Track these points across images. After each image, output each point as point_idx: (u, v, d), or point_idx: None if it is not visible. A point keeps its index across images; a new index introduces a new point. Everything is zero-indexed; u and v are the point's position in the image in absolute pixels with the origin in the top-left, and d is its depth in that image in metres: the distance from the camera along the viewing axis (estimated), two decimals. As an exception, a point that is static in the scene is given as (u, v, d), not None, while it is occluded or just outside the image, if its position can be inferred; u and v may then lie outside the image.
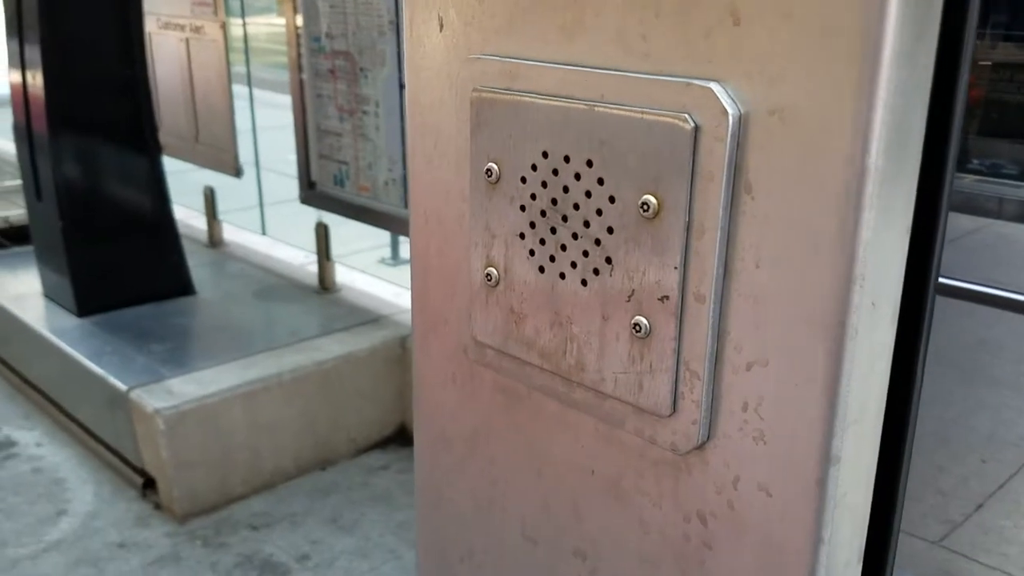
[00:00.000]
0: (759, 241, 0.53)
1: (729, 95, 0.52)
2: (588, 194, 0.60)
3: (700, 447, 0.59)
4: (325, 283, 3.72)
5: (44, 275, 3.58)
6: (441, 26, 0.66)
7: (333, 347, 3.18)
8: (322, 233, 3.65)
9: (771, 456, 0.55)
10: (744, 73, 0.51)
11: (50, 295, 3.56)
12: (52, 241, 3.39)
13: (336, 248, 3.78)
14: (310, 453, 3.16)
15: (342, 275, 3.82)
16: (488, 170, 0.66)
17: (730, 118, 0.52)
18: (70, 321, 3.40)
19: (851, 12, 0.47)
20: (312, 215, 3.67)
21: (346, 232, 3.87)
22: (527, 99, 0.62)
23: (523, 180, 0.64)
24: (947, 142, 0.53)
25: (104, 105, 3.31)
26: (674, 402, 0.59)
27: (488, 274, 0.68)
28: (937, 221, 0.54)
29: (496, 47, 0.63)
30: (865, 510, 0.58)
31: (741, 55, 0.51)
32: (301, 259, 4.16)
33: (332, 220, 3.60)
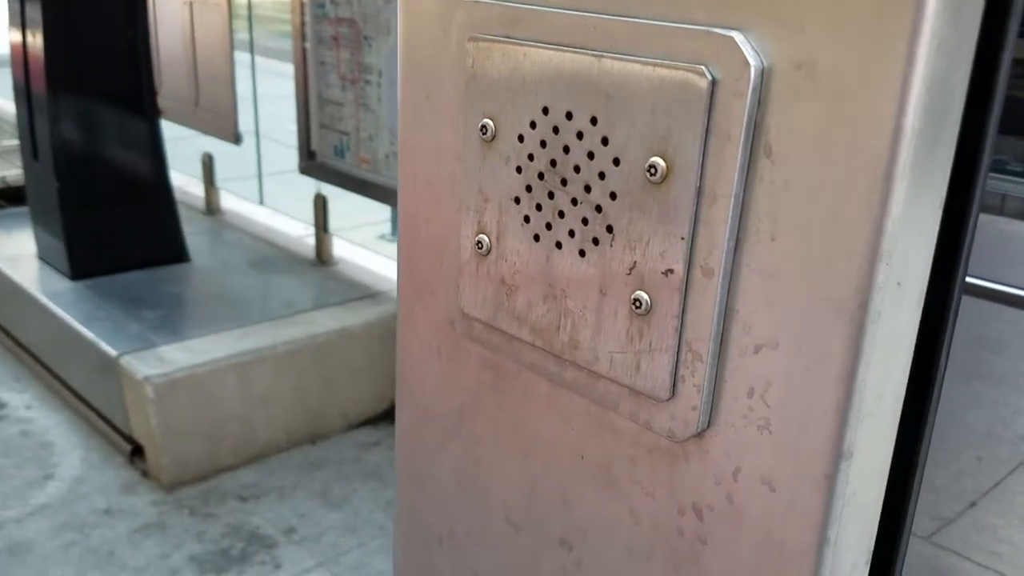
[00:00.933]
0: (777, 210, 0.48)
1: (752, 45, 0.47)
2: (591, 155, 0.55)
3: (699, 435, 0.54)
4: (322, 256, 3.67)
5: (39, 237, 3.54)
6: (438, -32, 0.61)
7: (328, 321, 3.14)
8: (320, 205, 3.60)
9: (777, 447, 0.50)
10: (769, 20, 0.46)
11: (44, 257, 3.52)
12: (48, 203, 3.34)
13: (336, 221, 3.72)
14: (301, 427, 3.13)
15: (340, 249, 3.77)
16: (483, 127, 0.60)
17: (752, 71, 0.46)
18: (63, 284, 3.36)
19: (892, -45, 0.41)
20: (313, 187, 3.61)
21: (346, 205, 3.82)
22: (528, 48, 0.56)
23: (520, 139, 0.59)
24: (988, 110, 0.48)
25: (104, 67, 3.25)
26: (673, 385, 0.54)
27: (479, 241, 0.63)
28: (972, 196, 0.49)
29: (496, -9, 0.58)
30: (876, 509, 0.53)
31: (767, 0, 0.46)
32: (299, 231, 4.11)
33: (333, 193, 3.55)
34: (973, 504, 3.07)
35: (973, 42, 0.45)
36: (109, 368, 2.92)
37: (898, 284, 0.46)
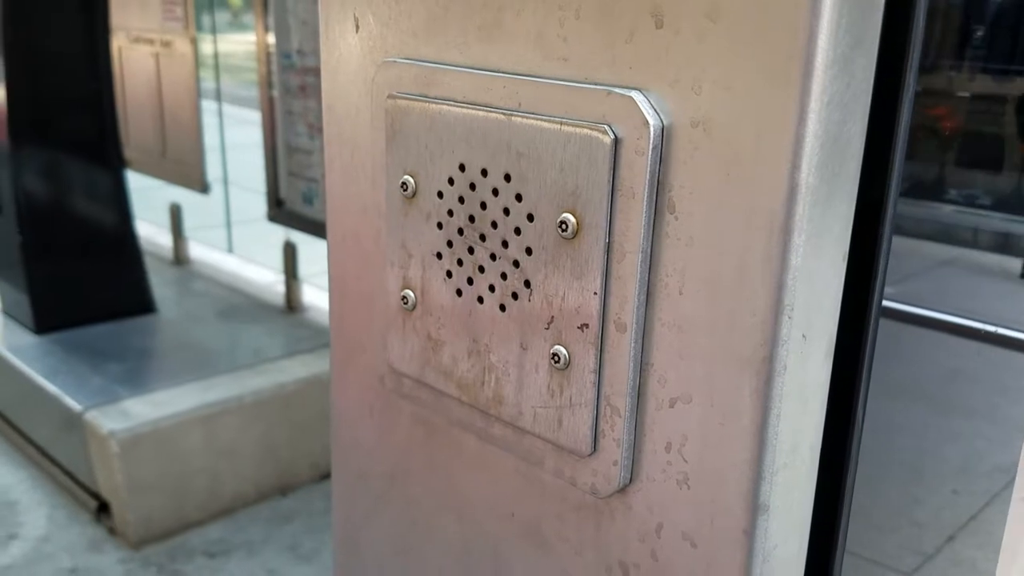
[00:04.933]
0: (683, 265, 0.48)
1: (651, 104, 0.47)
2: (506, 211, 0.55)
3: (622, 490, 0.53)
4: (292, 303, 3.65)
5: (2, 290, 3.49)
6: (357, 27, 0.62)
7: (297, 369, 3.11)
8: (289, 252, 3.59)
9: (695, 502, 0.50)
10: (667, 81, 0.47)
11: (8, 311, 3.47)
12: (10, 256, 3.31)
13: (307, 268, 3.71)
14: (271, 478, 3.08)
15: (310, 295, 3.75)
16: (404, 183, 0.60)
17: (652, 129, 0.47)
18: (27, 338, 3.31)
19: (781, 14, 0.42)
20: (282, 234, 3.60)
21: (318, 252, 3.80)
22: (443, 107, 0.57)
23: (440, 195, 0.59)
24: (890, 162, 0.49)
25: (68, 119, 3.25)
26: (595, 440, 0.54)
27: (404, 297, 0.63)
28: (879, 247, 0.49)
29: (413, 50, 0.59)
30: (799, 564, 0.52)
31: (664, 61, 0.46)
32: (269, 278, 4.09)
33: (304, 240, 3.53)
34: (951, 538, 3.06)
35: (868, 95, 0.46)
36: (73, 423, 2.86)
37: (803, 336, 0.46)
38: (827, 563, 0.54)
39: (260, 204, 3.53)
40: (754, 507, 0.48)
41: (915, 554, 2.85)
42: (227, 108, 4.79)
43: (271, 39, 3.24)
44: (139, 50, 3.71)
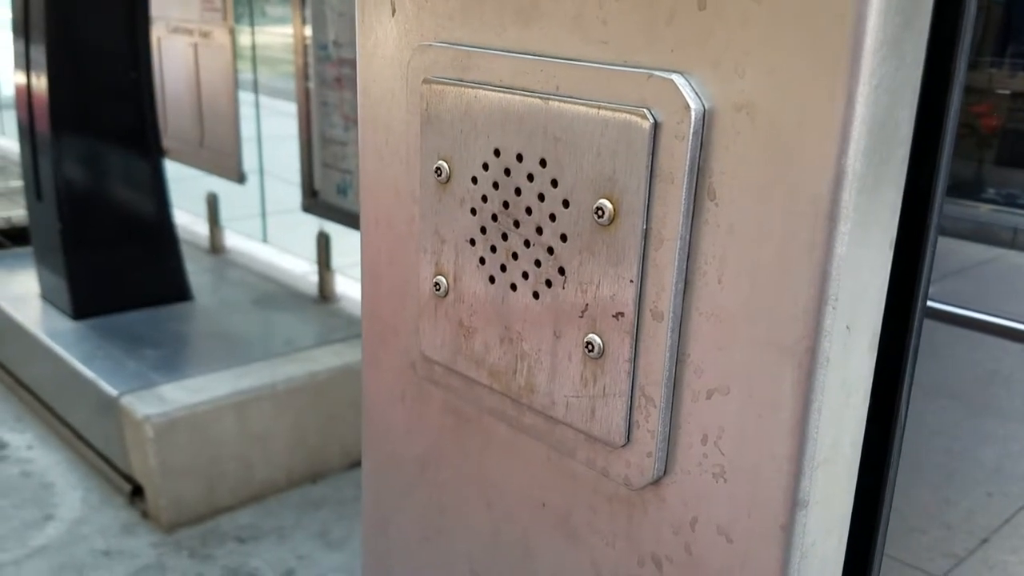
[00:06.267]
0: (723, 253, 0.47)
1: (693, 88, 0.46)
2: (541, 197, 0.54)
3: (656, 482, 0.52)
4: (325, 293, 3.67)
5: (42, 276, 3.55)
6: (393, 10, 0.61)
7: (329, 358, 3.13)
8: (323, 243, 3.61)
9: (732, 496, 0.49)
10: (710, 63, 0.45)
11: (47, 297, 3.53)
12: (50, 242, 3.36)
13: (341, 259, 3.73)
14: (302, 465, 3.10)
15: (343, 285, 3.77)
16: (438, 168, 0.60)
17: (692, 113, 0.46)
18: (65, 324, 3.36)
19: (829, -5, 0.41)
20: (316, 225, 3.62)
21: (351, 243, 3.82)
22: (479, 91, 0.56)
23: (474, 180, 0.58)
24: (938, 151, 0.47)
25: (108, 108, 3.29)
26: (628, 431, 0.53)
27: (437, 283, 0.62)
28: (925, 237, 0.48)
29: (449, 34, 0.58)
30: (838, 561, 0.51)
31: (706, 43, 0.45)
32: (303, 268, 4.12)
33: (339, 231, 3.55)
34: (985, 541, 3.01)
35: (918, 79, 0.45)
36: (109, 408, 2.91)
37: (847, 328, 0.45)
38: (865, 561, 0.53)
39: (295, 195, 3.55)
40: (793, 502, 0.46)
41: (946, 556, 2.81)
42: (263, 99, 4.83)
43: (308, 31, 3.26)
44: (178, 40, 3.75)
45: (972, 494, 3.11)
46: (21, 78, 3.29)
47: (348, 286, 3.83)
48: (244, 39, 4.15)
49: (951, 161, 0.48)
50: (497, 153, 0.56)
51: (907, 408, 0.50)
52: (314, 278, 3.77)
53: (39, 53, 3.14)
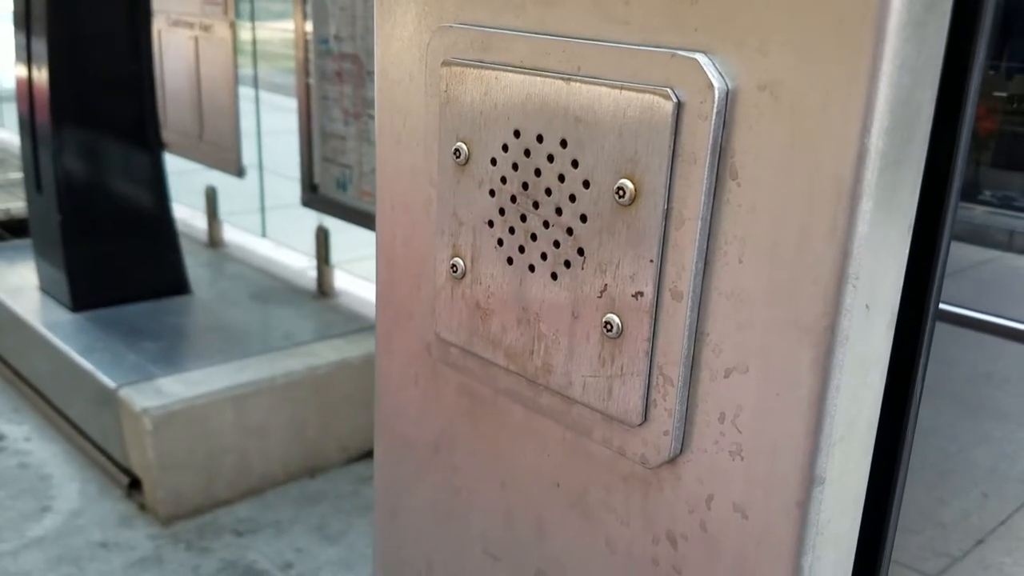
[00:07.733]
0: (744, 233, 0.47)
1: (716, 67, 0.46)
2: (561, 178, 0.55)
3: (672, 461, 0.53)
4: (324, 288, 3.67)
5: (41, 268, 3.55)
6: (413, -7, 0.61)
7: (328, 353, 3.13)
8: (322, 237, 3.61)
9: (749, 474, 0.49)
10: (734, 42, 0.46)
11: (46, 289, 3.53)
12: (50, 234, 3.36)
13: (340, 254, 3.73)
14: (299, 460, 3.10)
15: (341, 281, 3.77)
16: (457, 150, 0.60)
17: (716, 93, 0.46)
18: (64, 316, 3.36)
19: (853, -24, 0.41)
20: (315, 219, 3.62)
21: (350, 237, 3.82)
22: (499, 72, 0.56)
23: (493, 162, 0.59)
24: (958, 130, 0.48)
25: (108, 100, 3.28)
26: (645, 410, 0.53)
27: (454, 265, 0.63)
28: (943, 219, 0.48)
29: (469, 15, 0.58)
30: (852, 538, 0.52)
31: (731, 22, 0.46)
32: (302, 263, 4.12)
33: (337, 226, 3.55)
34: (980, 542, 3.02)
35: (939, 61, 0.45)
36: (107, 400, 2.90)
37: (866, 307, 0.45)
38: (877, 541, 0.53)
39: (294, 190, 3.55)
40: (809, 480, 0.47)
41: (940, 556, 2.82)
42: (263, 95, 4.83)
43: (308, 26, 3.25)
44: (179, 33, 3.74)
45: (967, 495, 3.12)
46: (22, 70, 3.29)
47: (347, 282, 3.83)
48: (245, 34, 4.14)
49: (969, 145, 0.49)
50: (517, 134, 0.57)
51: (922, 386, 0.51)
52: (312, 273, 3.77)
53: (40, 45, 3.14)
